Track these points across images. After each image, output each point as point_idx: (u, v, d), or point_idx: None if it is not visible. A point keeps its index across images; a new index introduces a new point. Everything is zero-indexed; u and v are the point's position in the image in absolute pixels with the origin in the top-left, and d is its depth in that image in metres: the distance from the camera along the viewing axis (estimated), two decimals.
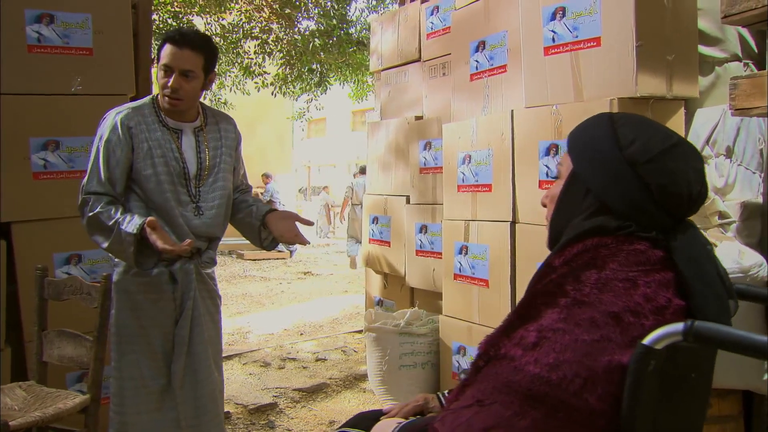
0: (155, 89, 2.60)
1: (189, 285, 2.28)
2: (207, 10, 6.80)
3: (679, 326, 0.99)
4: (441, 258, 3.60)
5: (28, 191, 2.96)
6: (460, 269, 3.25)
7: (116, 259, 2.33)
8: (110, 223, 2.16)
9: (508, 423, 0.99)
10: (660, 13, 2.46)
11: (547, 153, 2.71)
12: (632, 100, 2.44)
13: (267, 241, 2.47)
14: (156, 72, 2.35)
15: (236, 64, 7.46)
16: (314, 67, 7.30)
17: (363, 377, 3.93)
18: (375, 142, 4.27)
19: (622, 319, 1.03)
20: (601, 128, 1.20)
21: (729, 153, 2.55)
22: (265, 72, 7.34)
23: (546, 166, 2.72)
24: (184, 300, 2.28)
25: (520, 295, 2.84)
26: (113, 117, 2.28)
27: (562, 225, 1.22)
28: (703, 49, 2.64)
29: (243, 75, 7.66)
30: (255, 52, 7.22)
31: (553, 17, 2.69)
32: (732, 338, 0.96)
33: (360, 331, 4.96)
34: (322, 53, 6.90)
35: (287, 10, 6.66)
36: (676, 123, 2.59)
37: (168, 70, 2.22)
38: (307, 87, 7.69)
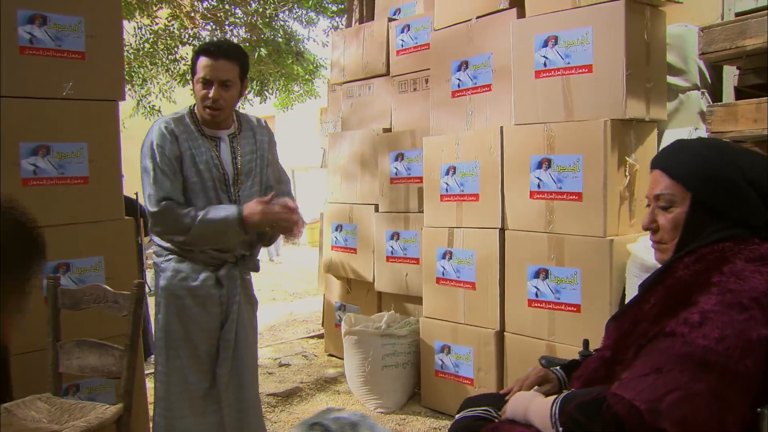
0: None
1: (234, 290, 2.35)
2: (130, 16, 6.59)
3: None
4: (416, 263, 3.82)
5: (17, 198, 2.85)
6: (443, 273, 3.48)
7: (162, 265, 2.35)
8: (217, 219, 2.24)
9: (686, 386, 1.22)
10: (641, 46, 2.83)
11: (539, 166, 3.01)
12: (621, 122, 2.79)
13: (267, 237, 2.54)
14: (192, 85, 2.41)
15: (170, 70, 7.26)
16: (253, 76, 7.29)
17: (333, 380, 4.05)
18: (337, 152, 4.42)
19: (761, 302, 1.29)
20: (706, 153, 1.44)
21: None
22: None
23: (538, 178, 3.01)
24: (229, 305, 2.35)
25: (509, 295, 3.13)
26: (159, 127, 2.32)
27: (691, 241, 1.45)
28: (670, 79, 3.05)
29: (178, 83, 7.47)
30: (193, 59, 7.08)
31: (545, 44, 2.99)
32: None
33: (316, 336, 5.06)
34: (262, 64, 6.90)
35: (219, 15, 6.60)
36: (651, 142, 2.97)
37: (207, 82, 2.29)
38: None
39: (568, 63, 2.91)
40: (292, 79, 7.62)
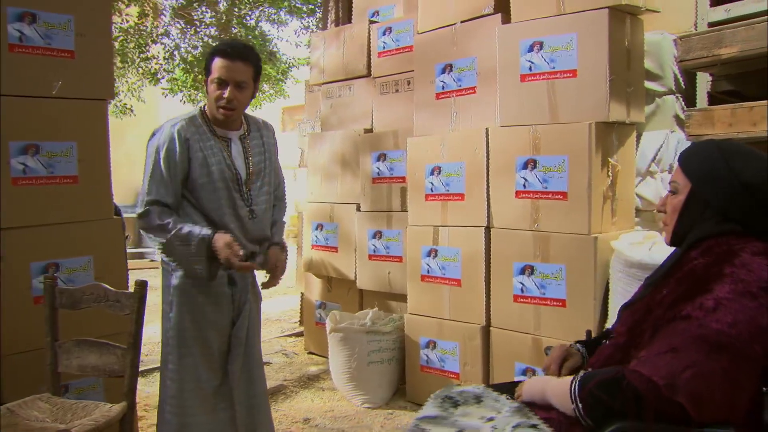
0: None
1: (246, 287, 2.39)
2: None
3: None
4: (399, 261, 3.90)
5: (7, 198, 2.84)
6: (428, 271, 3.57)
7: (173, 264, 2.37)
8: (187, 241, 2.26)
9: (701, 364, 1.34)
10: (623, 52, 2.97)
11: (525, 166, 3.12)
12: (605, 124, 2.93)
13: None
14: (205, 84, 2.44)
15: (140, 69, 7.16)
16: None
17: (316, 377, 4.10)
18: (317, 152, 4.46)
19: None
20: (712, 154, 1.58)
21: (671, 169, 3.13)
22: (174, 78, 7.15)
23: (523, 178, 3.13)
24: (241, 302, 2.38)
25: (495, 290, 3.24)
26: (170, 128, 2.34)
27: (686, 229, 1.60)
28: (647, 84, 3.20)
29: (150, 81, 7.36)
30: (165, 58, 7.01)
31: (530, 49, 3.11)
32: None
33: (294, 334, 5.09)
34: None
35: (191, 13, 6.55)
36: (630, 143, 3.12)
37: (222, 83, 2.32)
38: None
39: (553, 67, 3.03)
40: (264, 79, 7.62)
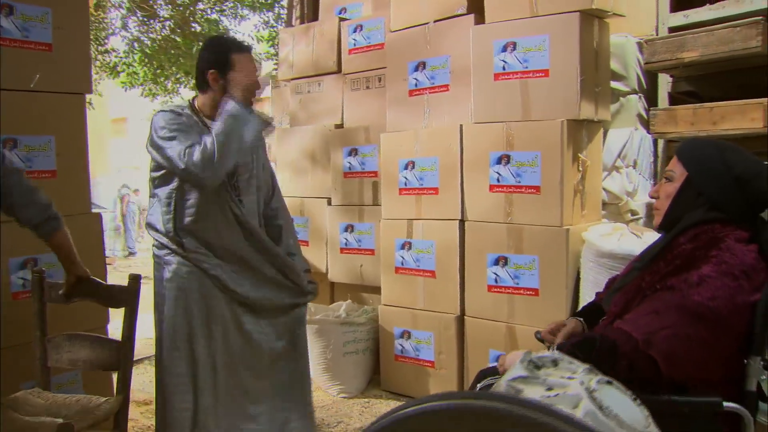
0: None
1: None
2: None
3: None
4: (371, 254, 3.99)
5: None
6: (402, 263, 3.67)
7: (166, 258, 2.41)
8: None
9: (678, 328, 1.53)
10: (591, 54, 3.13)
11: (499, 162, 3.26)
12: (576, 122, 3.09)
13: None
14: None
15: (98, 62, 6.98)
16: (189, 70, 7.18)
17: None
18: (286, 147, 4.51)
19: (748, 274, 1.58)
20: (710, 151, 1.74)
21: (635, 165, 3.32)
22: (135, 72, 7.01)
23: (497, 172, 3.26)
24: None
25: (469, 281, 3.37)
26: (168, 111, 2.43)
27: (678, 214, 1.75)
28: (612, 84, 3.38)
29: (108, 74, 7.19)
30: (125, 52, 6.86)
31: (504, 49, 3.24)
32: None
33: None
34: (181, 58, 6.82)
35: (150, 4, 6.45)
36: (598, 140, 3.29)
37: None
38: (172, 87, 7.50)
39: (526, 67, 3.17)
40: None
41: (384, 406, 3.54)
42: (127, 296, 2.44)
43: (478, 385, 1.88)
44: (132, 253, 12.72)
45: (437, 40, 3.57)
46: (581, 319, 2.01)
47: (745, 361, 1.60)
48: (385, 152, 3.77)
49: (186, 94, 8.45)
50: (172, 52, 6.74)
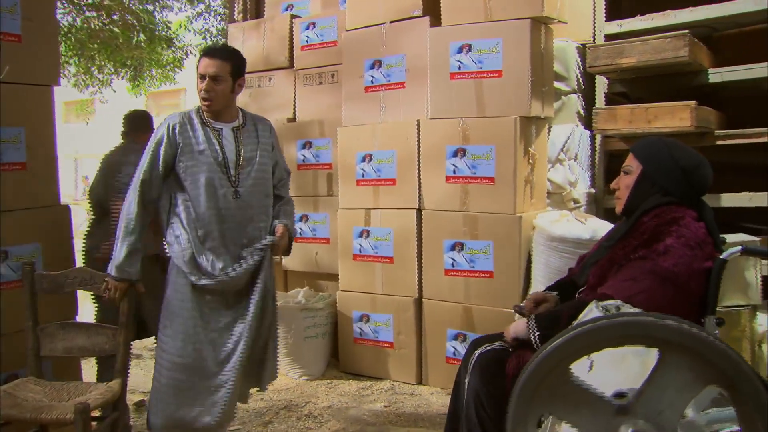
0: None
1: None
2: None
3: (739, 248, 1.90)
4: (326, 243, 4.17)
5: None
6: (360, 250, 3.88)
7: (169, 239, 2.54)
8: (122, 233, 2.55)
9: (653, 291, 1.85)
10: (539, 57, 3.44)
11: (455, 155, 3.52)
12: (527, 119, 3.39)
13: None
14: None
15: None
16: (130, 62, 6.97)
17: None
18: None
19: (701, 245, 1.91)
20: (659, 145, 2.06)
21: (576, 158, 3.67)
22: (66, 61, 6.73)
23: (453, 165, 3.53)
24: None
25: (426, 266, 3.62)
26: (166, 122, 2.61)
27: (637, 201, 2.07)
28: (555, 84, 3.72)
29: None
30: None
31: (460, 50, 3.50)
32: (764, 251, 1.93)
33: None
34: (138, 49, 6.64)
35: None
36: (544, 135, 3.62)
37: (202, 77, 2.58)
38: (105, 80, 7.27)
39: (481, 68, 3.45)
40: (162, 65, 7.46)
41: (347, 386, 3.73)
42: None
43: (476, 352, 2.11)
44: None
45: (393, 40, 3.79)
46: (555, 293, 2.30)
47: (702, 320, 1.93)
48: (342, 145, 3.95)
49: (118, 85, 8.26)
50: (103, 43, 6.55)
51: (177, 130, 2.57)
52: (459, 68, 3.52)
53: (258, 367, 2.69)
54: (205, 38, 7.97)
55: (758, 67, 3.32)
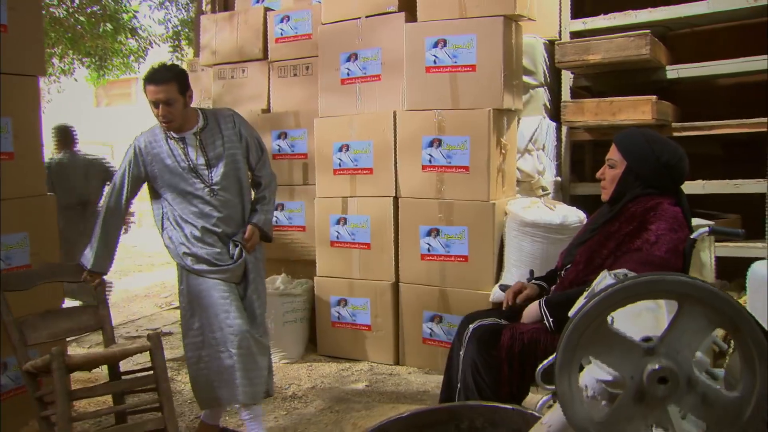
0: None
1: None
2: None
3: (707, 228, 2.13)
4: (302, 231, 4.29)
5: None
6: (337, 237, 4.01)
7: (166, 242, 2.68)
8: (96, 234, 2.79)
9: None
10: (511, 52, 3.64)
11: (431, 145, 3.69)
12: (499, 111, 3.58)
13: None
14: None
15: None
16: (95, 51, 6.83)
17: None
18: None
19: (681, 227, 2.13)
20: (641, 142, 2.26)
21: (543, 148, 3.89)
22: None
23: (429, 155, 3.69)
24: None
25: (403, 251, 3.78)
26: (133, 144, 2.84)
27: (622, 192, 2.27)
28: (524, 78, 3.92)
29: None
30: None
31: (435, 45, 3.66)
32: (728, 231, 2.16)
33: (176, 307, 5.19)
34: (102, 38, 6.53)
35: None
36: (514, 127, 3.82)
37: (155, 104, 2.73)
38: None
39: (455, 62, 3.62)
40: (124, 55, 7.36)
41: (327, 368, 3.87)
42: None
43: (470, 326, 2.28)
44: None
45: (369, 34, 3.92)
46: (543, 283, 2.49)
47: None
48: (319, 136, 4.07)
49: (80, 74, 8.09)
50: (66, 31, 6.43)
51: (143, 150, 2.80)
52: (434, 62, 3.68)
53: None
54: (167, 29, 7.92)
55: (711, 65, 3.61)
